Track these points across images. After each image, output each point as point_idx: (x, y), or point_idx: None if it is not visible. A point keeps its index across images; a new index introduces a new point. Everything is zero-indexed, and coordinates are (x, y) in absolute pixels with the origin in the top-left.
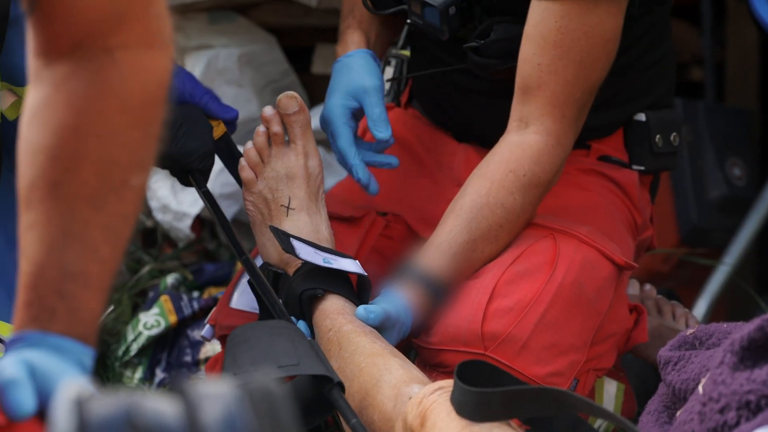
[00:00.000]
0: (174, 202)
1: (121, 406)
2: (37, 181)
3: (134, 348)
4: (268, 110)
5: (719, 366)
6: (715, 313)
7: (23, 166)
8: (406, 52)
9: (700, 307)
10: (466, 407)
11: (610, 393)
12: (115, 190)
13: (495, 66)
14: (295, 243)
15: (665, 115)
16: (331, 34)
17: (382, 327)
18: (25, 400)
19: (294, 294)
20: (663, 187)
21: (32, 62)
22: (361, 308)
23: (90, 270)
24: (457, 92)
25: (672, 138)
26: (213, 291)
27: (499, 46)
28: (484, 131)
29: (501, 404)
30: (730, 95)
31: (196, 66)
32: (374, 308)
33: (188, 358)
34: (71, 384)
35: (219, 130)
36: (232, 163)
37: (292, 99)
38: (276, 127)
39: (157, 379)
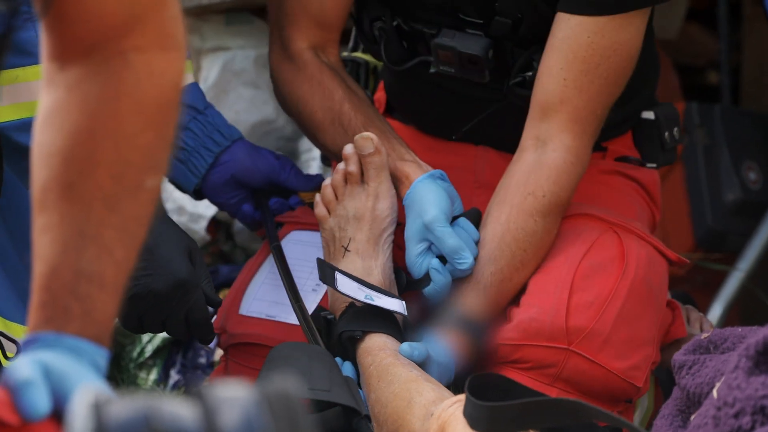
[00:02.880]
0: (190, 204)
1: (139, 410)
2: (51, 184)
3: (149, 349)
4: (349, 148)
5: (734, 370)
6: (730, 317)
7: (37, 169)
8: (361, 55)
9: (715, 311)
10: (478, 421)
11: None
12: (130, 192)
13: None
14: (339, 277)
15: (667, 111)
16: (346, 36)
17: (424, 365)
18: (40, 401)
19: (335, 335)
20: (678, 190)
21: (45, 66)
22: (406, 345)
23: (105, 271)
24: (477, 116)
25: (675, 132)
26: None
27: None
28: (503, 140)
29: (513, 417)
30: (746, 99)
31: (212, 68)
32: (419, 346)
33: (203, 360)
34: (89, 387)
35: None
36: None
37: (367, 140)
38: (352, 167)
39: (171, 381)
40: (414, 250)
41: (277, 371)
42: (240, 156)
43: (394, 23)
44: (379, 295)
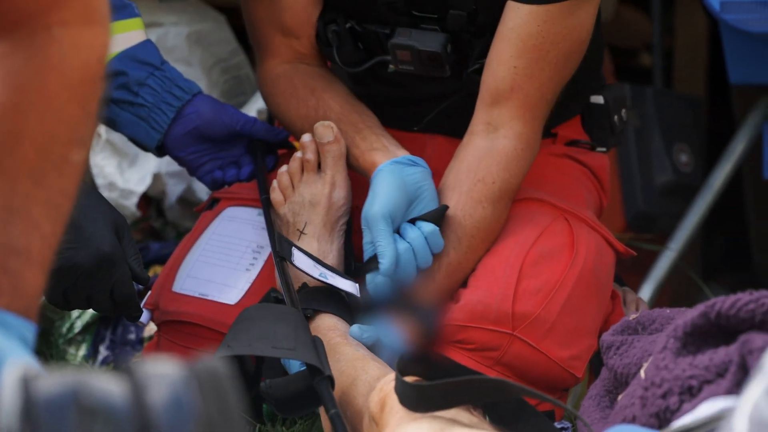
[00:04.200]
0: (120, 180)
1: (67, 385)
2: None
3: (78, 325)
4: (306, 137)
5: (662, 351)
6: (660, 299)
7: None
8: None
9: (645, 292)
10: (406, 399)
11: None
12: (56, 166)
13: None
14: (296, 252)
15: (615, 93)
16: None
17: (374, 349)
18: None
19: None
20: (610, 172)
21: None
22: (356, 327)
23: (32, 245)
24: (437, 107)
25: (623, 114)
26: (158, 269)
27: None
28: (458, 128)
29: (440, 395)
30: (678, 82)
31: None
32: (368, 329)
33: (132, 336)
34: (17, 363)
35: None
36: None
37: (327, 128)
38: (309, 155)
39: (100, 357)
40: (365, 237)
41: (242, 333)
42: (203, 108)
43: (348, 26)
44: (333, 274)
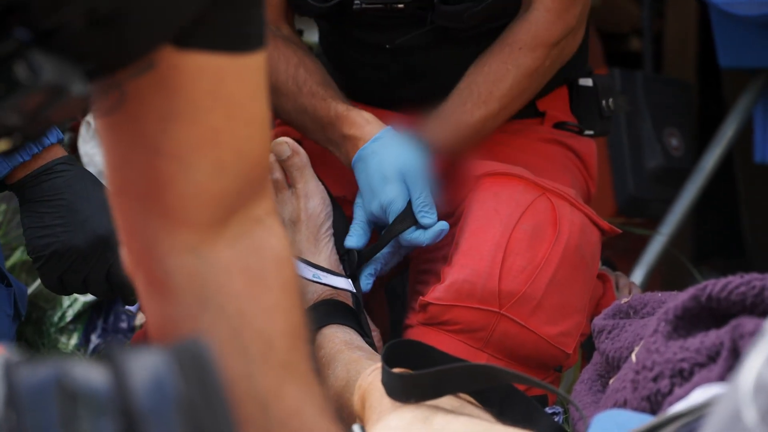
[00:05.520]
0: None
1: (50, 371)
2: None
3: (70, 314)
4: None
5: (653, 334)
6: (651, 283)
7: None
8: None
9: (636, 277)
10: (394, 390)
11: None
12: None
13: (470, 9)
14: None
15: (603, 80)
16: None
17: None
18: None
19: None
20: (600, 156)
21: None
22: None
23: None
24: (392, 58)
25: (611, 102)
26: None
27: None
28: (426, 93)
29: (428, 384)
30: (668, 66)
31: None
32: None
33: (124, 325)
34: None
35: None
36: None
37: (282, 145)
38: (275, 174)
39: (92, 346)
40: (388, 194)
41: None
42: None
43: None
44: (326, 274)
